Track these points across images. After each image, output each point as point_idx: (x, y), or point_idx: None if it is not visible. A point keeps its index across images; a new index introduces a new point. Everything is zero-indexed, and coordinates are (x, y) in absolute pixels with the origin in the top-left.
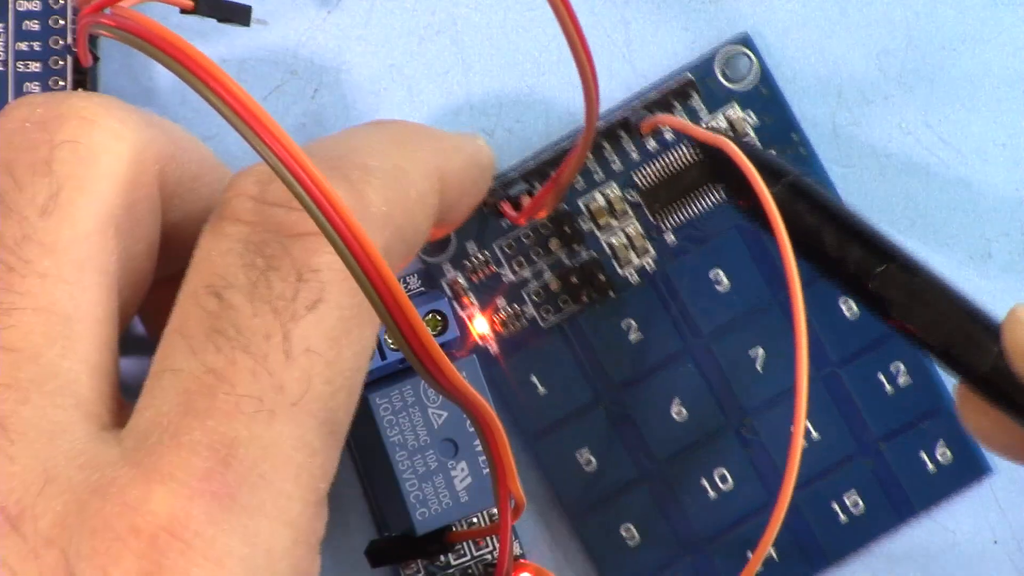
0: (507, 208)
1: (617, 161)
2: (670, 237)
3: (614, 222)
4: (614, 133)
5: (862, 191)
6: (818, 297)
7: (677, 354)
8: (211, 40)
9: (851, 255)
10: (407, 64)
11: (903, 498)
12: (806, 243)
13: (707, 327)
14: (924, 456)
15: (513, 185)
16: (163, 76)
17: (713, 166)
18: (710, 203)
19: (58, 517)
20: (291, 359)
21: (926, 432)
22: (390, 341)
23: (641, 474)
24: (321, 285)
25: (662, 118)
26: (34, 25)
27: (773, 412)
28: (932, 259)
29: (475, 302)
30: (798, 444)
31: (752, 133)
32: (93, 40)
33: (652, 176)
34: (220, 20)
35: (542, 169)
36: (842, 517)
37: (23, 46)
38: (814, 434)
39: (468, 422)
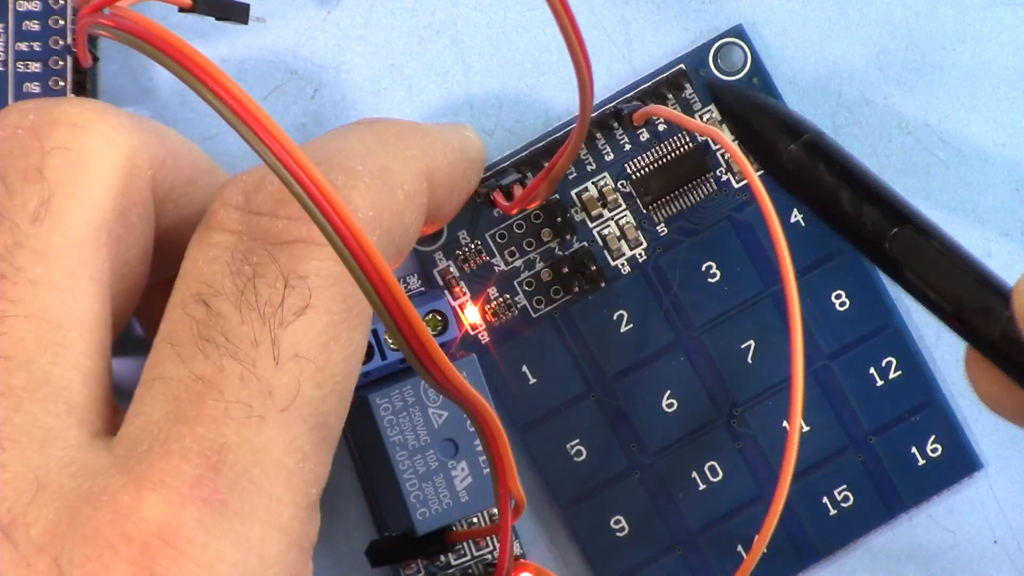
0: (499, 198)
1: (610, 152)
2: (662, 228)
3: (606, 212)
4: (607, 123)
5: None
6: (810, 290)
7: (668, 346)
8: (211, 40)
9: (868, 215)
10: (407, 64)
11: (893, 493)
12: (822, 202)
13: (699, 319)
14: (915, 451)
15: (505, 175)
16: (163, 76)
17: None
18: (703, 194)
19: (50, 525)
20: (280, 365)
21: (917, 427)
22: (390, 341)
23: (632, 465)
24: (308, 291)
25: (654, 109)
26: (34, 25)
27: (764, 405)
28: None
29: (467, 291)
30: (793, 444)
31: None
32: (93, 40)
33: (644, 167)
34: (218, 18)
35: (534, 159)
36: (832, 511)
37: (23, 46)
38: (805, 427)
39: (468, 422)
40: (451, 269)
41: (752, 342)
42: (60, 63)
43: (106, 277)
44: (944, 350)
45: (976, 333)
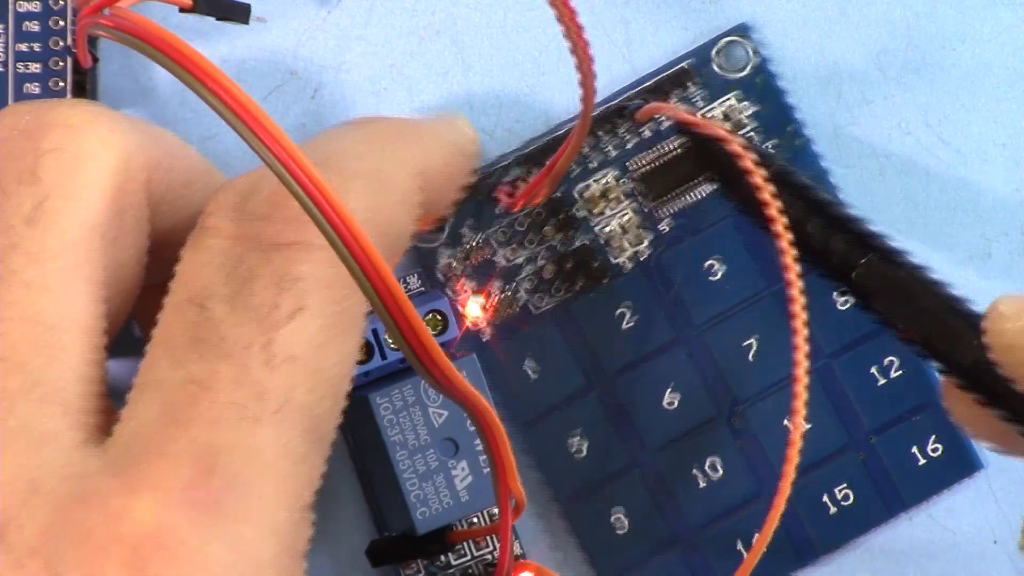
0: (502, 194)
1: (612, 149)
2: (665, 225)
3: (609, 210)
4: (610, 120)
5: (862, 191)
6: (811, 289)
7: (670, 343)
8: (212, 40)
9: (835, 246)
10: (407, 64)
11: (893, 492)
12: (791, 233)
13: (700, 317)
14: (915, 450)
15: (509, 171)
16: (163, 76)
17: (705, 156)
18: (705, 192)
19: (43, 527)
20: (273, 367)
21: (918, 426)
22: (390, 340)
23: (632, 462)
24: (303, 293)
25: (658, 106)
26: (34, 26)
27: (765, 403)
28: (932, 259)
29: (468, 287)
30: (796, 443)
31: (748, 123)
32: (93, 41)
33: (648, 164)
34: (219, 18)
35: (538, 156)
36: (832, 510)
37: (23, 47)
38: (806, 425)
39: (469, 421)
40: (453, 265)
41: (753, 340)
42: (60, 64)
43: (101, 279)
44: None
45: (948, 361)
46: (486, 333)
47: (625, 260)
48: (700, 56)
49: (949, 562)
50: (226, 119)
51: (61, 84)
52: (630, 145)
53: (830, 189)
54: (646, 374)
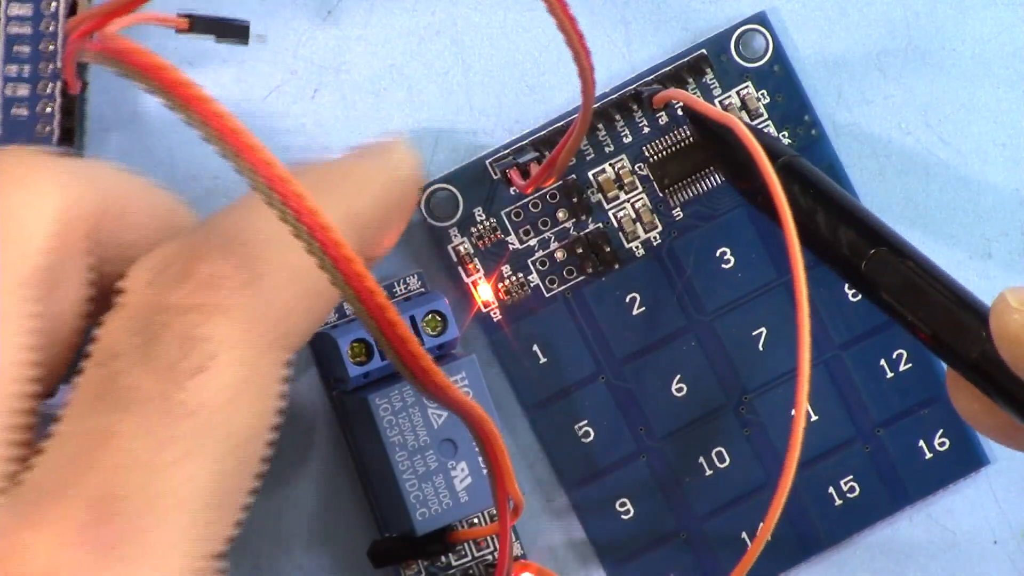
0: (515, 176)
1: (628, 134)
2: (678, 212)
3: (623, 195)
4: (626, 105)
5: (862, 191)
6: (823, 280)
7: (680, 330)
8: (211, 41)
9: (844, 237)
10: (407, 64)
11: (899, 485)
12: (800, 225)
13: (711, 304)
14: (922, 444)
15: (523, 153)
16: (153, 102)
17: (715, 146)
18: (719, 180)
19: None
20: (175, 419)
21: (925, 420)
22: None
23: (639, 449)
24: (209, 351)
25: (673, 92)
26: (24, 49)
27: (773, 393)
28: (932, 259)
29: (480, 269)
30: (798, 433)
31: (764, 112)
32: (82, 66)
33: (663, 150)
34: (218, 39)
35: (552, 138)
36: (838, 501)
37: (12, 70)
38: (813, 416)
39: None
40: (465, 245)
41: (763, 329)
42: (49, 88)
43: (34, 330)
44: None
45: (954, 354)
46: (496, 315)
47: (637, 245)
48: (718, 44)
49: (949, 562)
50: (214, 144)
51: (49, 108)
52: (646, 131)
53: (843, 181)
54: (655, 361)
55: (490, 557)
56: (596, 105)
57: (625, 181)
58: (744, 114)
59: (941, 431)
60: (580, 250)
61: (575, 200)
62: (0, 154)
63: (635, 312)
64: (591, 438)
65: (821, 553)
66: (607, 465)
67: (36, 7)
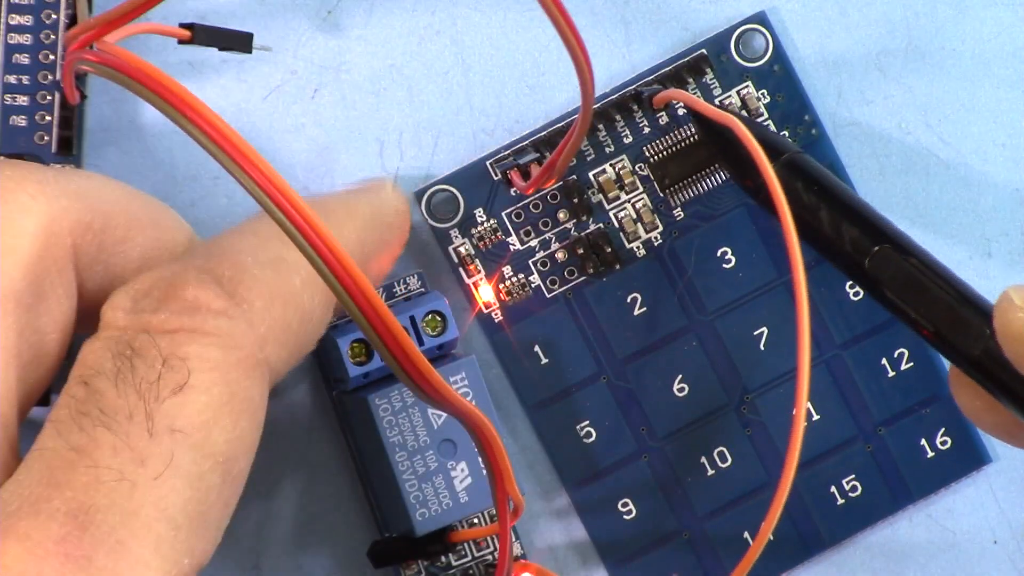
0: (516, 177)
1: (629, 134)
2: (679, 212)
3: (623, 195)
4: (626, 106)
5: (862, 191)
6: (824, 279)
7: (681, 330)
8: (210, 54)
9: (847, 234)
10: (407, 64)
11: (901, 484)
12: (803, 221)
13: (712, 304)
14: (924, 443)
15: (524, 154)
16: (152, 113)
17: (717, 144)
18: (720, 180)
19: None
20: (154, 436)
21: (927, 419)
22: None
23: (640, 449)
24: (187, 371)
25: (674, 93)
26: (24, 58)
27: (775, 392)
28: None
29: (481, 269)
30: (799, 434)
31: (764, 112)
32: (81, 77)
33: (663, 150)
34: (221, 49)
35: (553, 139)
36: (840, 500)
37: (12, 79)
38: (815, 416)
39: None
40: (467, 246)
41: (765, 329)
42: (48, 98)
43: (12, 346)
44: None
45: (958, 351)
46: (498, 316)
47: (638, 246)
48: (718, 44)
49: (949, 562)
50: (213, 154)
51: (48, 118)
52: (646, 131)
53: (843, 181)
54: (657, 360)
55: (490, 557)
56: (596, 105)
57: (626, 181)
58: (744, 114)
59: (943, 430)
60: (581, 250)
61: (576, 200)
62: None
63: (636, 312)
64: (592, 438)
65: (822, 553)
66: (608, 465)
67: (36, 17)
